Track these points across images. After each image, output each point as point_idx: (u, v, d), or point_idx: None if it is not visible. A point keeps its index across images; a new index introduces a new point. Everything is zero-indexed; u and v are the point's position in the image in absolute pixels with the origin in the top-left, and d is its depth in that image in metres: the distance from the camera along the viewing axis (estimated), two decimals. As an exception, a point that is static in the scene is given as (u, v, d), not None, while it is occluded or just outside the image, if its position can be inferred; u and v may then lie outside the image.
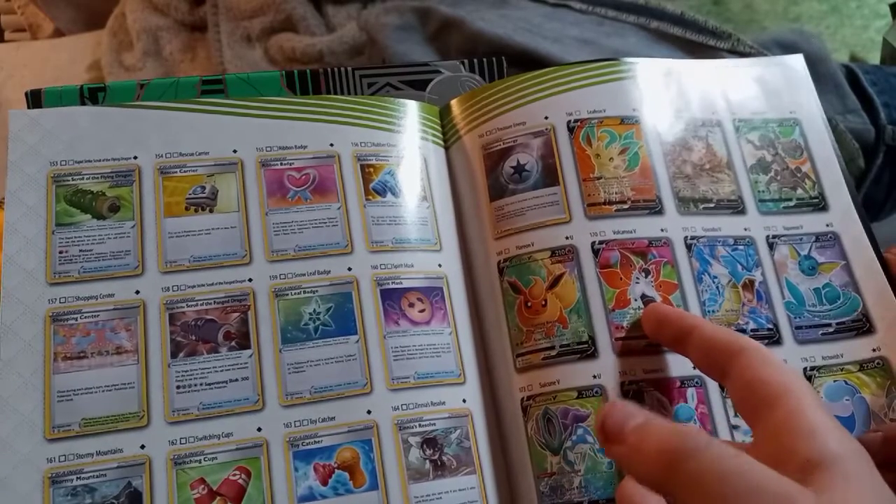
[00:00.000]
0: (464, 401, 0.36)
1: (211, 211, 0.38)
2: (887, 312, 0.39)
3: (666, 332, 0.34)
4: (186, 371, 0.35)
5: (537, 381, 0.36)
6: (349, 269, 0.38)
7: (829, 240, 0.40)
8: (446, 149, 0.42)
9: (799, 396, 0.27)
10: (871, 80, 0.60)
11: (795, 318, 0.38)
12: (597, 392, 0.35)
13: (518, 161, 0.40)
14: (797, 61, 0.45)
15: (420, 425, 0.35)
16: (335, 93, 0.45)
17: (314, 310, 0.37)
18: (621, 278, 0.37)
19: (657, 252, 0.38)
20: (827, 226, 0.40)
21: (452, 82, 0.46)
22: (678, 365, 0.36)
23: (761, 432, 0.28)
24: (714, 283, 0.38)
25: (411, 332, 0.37)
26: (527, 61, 0.54)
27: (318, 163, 0.40)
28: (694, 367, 0.36)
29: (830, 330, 0.38)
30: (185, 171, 0.38)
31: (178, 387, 0.34)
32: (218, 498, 0.33)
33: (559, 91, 0.41)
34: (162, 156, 0.38)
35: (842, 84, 0.58)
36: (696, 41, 0.57)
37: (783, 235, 0.40)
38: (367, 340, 0.36)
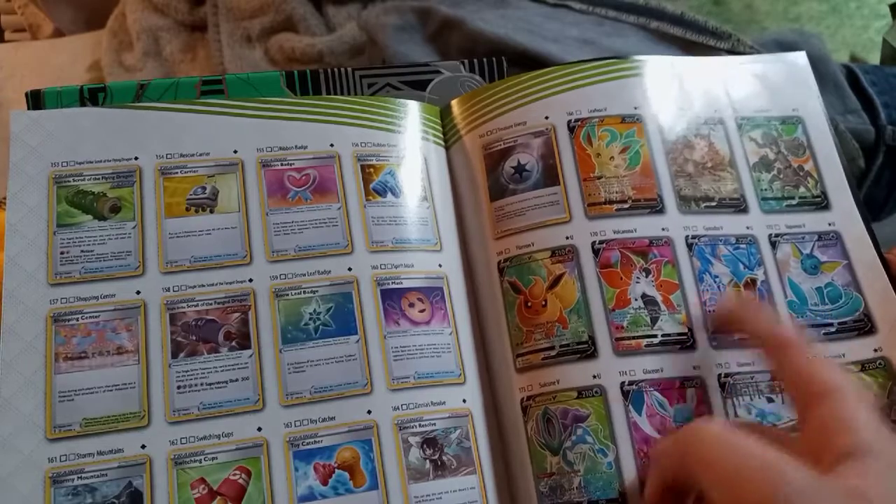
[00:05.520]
0: (464, 401, 0.36)
1: (211, 211, 0.38)
2: (889, 313, 0.38)
3: (735, 315, 0.36)
4: (187, 371, 0.35)
5: (537, 381, 0.36)
6: (349, 269, 0.38)
7: (831, 239, 0.40)
8: (447, 149, 0.42)
9: (844, 394, 0.28)
10: (871, 80, 0.59)
11: (798, 317, 0.38)
12: (597, 392, 0.35)
13: (518, 161, 0.40)
14: (800, 58, 0.45)
15: (420, 425, 0.35)
16: (335, 93, 0.45)
17: (314, 310, 0.37)
18: (622, 278, 0.37)
19: (658, 251, 0.38)
20: (829, 224, 0.40)
21: (452, 82, 0.46)
22: (678, 365, 0.36)
23: (808, 427, 0.29)
24: (715, 282, 0.38)
25: (411, 332, 0.37)
26: (527, 61, 0.54)
27: (318, 163, 0.40)
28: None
29: (832, 329, 0.38)
30: (185, 172, 0.38)
31: (178, 387, 0.34)
32: (218, 498, 0.33)
33: (559, 91, 0.41)
34: (163, 156, 0.38)
35: (842, 84, 0.58)
36: (696, 41, 0.57)
37: (786, 234, 0.40)
38: (368, 340, 0.36)
